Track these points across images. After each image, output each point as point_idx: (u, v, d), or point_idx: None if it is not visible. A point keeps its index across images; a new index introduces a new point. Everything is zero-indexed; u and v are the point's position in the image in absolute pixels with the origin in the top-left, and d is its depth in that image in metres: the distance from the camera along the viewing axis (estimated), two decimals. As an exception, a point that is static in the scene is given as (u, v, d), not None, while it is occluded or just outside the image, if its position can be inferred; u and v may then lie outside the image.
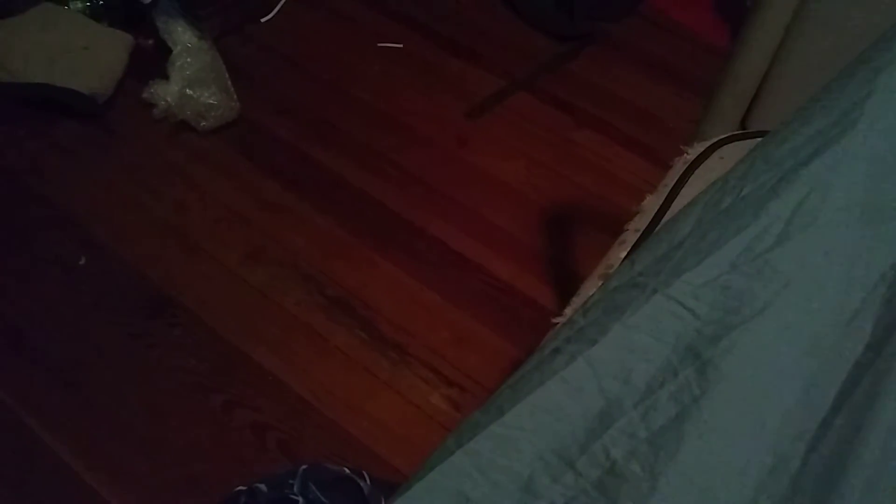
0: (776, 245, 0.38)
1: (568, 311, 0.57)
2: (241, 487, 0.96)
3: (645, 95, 1.61)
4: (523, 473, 0.38)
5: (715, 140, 0.63)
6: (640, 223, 0.59)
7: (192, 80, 1.42)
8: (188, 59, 1.44)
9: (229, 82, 1.46)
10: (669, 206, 0.58)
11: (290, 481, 0.93)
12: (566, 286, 1.28)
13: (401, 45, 1.66)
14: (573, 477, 0.37)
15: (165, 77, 1.44)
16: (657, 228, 0.52)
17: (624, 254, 0.57)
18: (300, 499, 0.91)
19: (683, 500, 0.32)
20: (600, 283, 0.59)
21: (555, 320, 0.56)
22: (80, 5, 1.52)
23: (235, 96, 1.45)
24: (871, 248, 0.37)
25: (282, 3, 1.69)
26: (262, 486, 0.92)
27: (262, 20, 1.66)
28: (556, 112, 1.56)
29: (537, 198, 1.40)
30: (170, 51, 1.47)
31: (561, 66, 1.65)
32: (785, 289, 0.36)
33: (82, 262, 1.24)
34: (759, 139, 0.55)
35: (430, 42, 1.68)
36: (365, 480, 0.95)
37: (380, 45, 1.66)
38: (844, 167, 0.40)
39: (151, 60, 1.50)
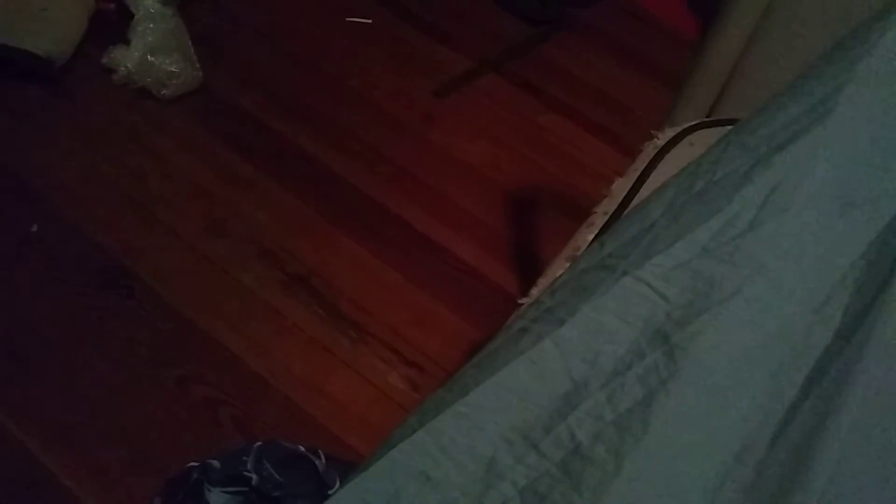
0: (748, 230, 0.38)
1: (534, 292, 0.57)
2: (193, 463, 0.94)
3: (613, 83, 1.62)
4: (486, 453, 0.37)
5: (685, 126, 0.63)
6: (608, 206, 0.59)
7: (154, 46, 1.38)
8: (150, 25, 1.40)
9: (192, 50, 1.42)
10: (638, 191, 0.58)
11: (244, 458, 0.91)
12: (529, 269, 1.28)
13: (370, 21, 1.63)
14: (536, 458, 0.36)
15: (126, 42, 1.40)
16: (627, 211, 0.52)
17: (591, 236, 0.57)
18: (254, 476, 0.90)
19: (648, 484, 0.32)
20: (567, 266, 0.59)
21: (521, 301, 0.55)
22: (38, -35, 1.47)
23: (198, 65, 1.42)
24: (842, 236, 0.36)
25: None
26: (216, 463, 0.90)
27: (229, -11, 1.62)
28: (524, 95, 1.56)
29: (502, 180, 1.40)
30: (132, 15, 1.42)
31: (531, 50, 1.65)
32: (755, 274, 0.36)
33: (34, 229, 1.20)
34: (731, 126, 0.55)
35: (400, 19, 1.66)
36: (320, 458, 0.94)
37: (349, 19, 1.63)
38: (818, 155, 0.40)
39: (112, 25, 1.46)
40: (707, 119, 0.68)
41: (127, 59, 1.38)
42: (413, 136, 1.44)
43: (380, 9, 1.66)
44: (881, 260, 0.35)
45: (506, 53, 1.62)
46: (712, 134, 0.63)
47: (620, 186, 0.59)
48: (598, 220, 0.58)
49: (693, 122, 0.64)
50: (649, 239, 0.41)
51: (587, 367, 0.37)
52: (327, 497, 0.90)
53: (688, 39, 1.71)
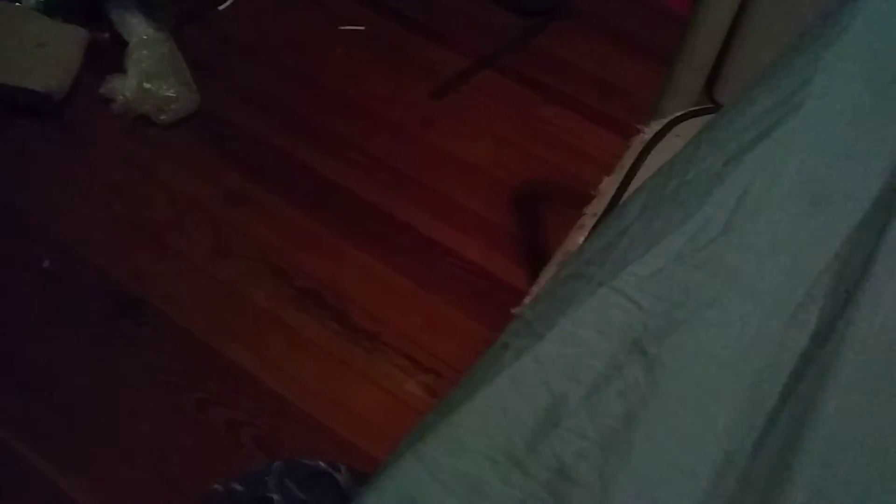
0: (721, 235, 0.37)
1: (527, 300, 0.56)
2: (217, 487, 0.95)
3: (612, 69, 1.60)
4: (472, 474, 0.37)
5: (671, 118, 0.62)
6: (597, 207, 0.58)
7: (150, 72, 1.39)
8: (145, 52, 1.41)
9: (188, 73, 1.43)
10: (626, 188, 0.57)
11: (266, 478, 0.92)
12: (538, 266, 1.27)
13: (363, 28, 1.63)
14: (523, 478, 0.36)
15: (123, 71, 1.41)
16: (606, 214, 0.51)
17: (581, 239, 0.56)
18: (276, 496, 0.91)
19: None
20: (556, 270, 0.59)
21: (514, 311, 0.55)
22: (33, 2, 1.49)
23: (195, 87, 1.43)
24: (815, 235, 0.36)
25: (240, -11, 1.65)
26: (238, 486, 0.91)
27: (220, 7, 1.63)
28: (523, 89, 1.55)
29: (506, 177, 1.39)
30: (126, 44, 1.43)
31: (526, 43, 1.64)
32: (730, 281, 0.35)
33: (46, 264, 1.21)
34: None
35: (393, 23, 1.65)
36: (341, 473, 0.95)
37: (342, 28, 1.63)
38: (790, 151, 0.39)
39: (108, 55, 1.47)
40: (694, 108, 0.68)
41: (124, 87, 1.39)
42: (413, 140, 1.44)
43: (372, 15, 1.66)
44: (855, 258, 0.34)
45: (501, 49, 1.61)
46: (699, 124, 0.62)
47: (608, 185, 0.59)
48: (588, 221, 0.57)
49: (679, 113, 0.63)
50: (624, 245, 0.41)
51: (568, 383, 0.37)
52: (349, 511, 0.90)
53: (683, 17, 1.69)
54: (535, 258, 1.28)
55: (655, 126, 0.63)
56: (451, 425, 0.38)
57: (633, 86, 1.56)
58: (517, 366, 0.38)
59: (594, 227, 0.56)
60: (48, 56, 1.42)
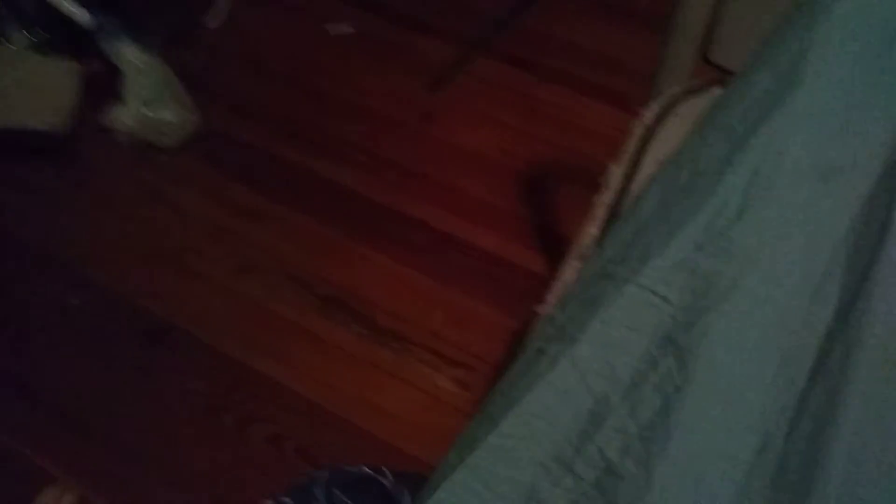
0: (736, 219, 0.38)
1: (550, 298, 0.57)
2: (266, 502, 0.97)
3: (605, 40, 1.60)
4: (525, 482, 0.38)
5: (669, 98, 0.63)
6: (608, 197, 0.59)
7: (147, 99, 1.40)
8: (139, 79, 1.42)
9: (185, 95, 1.44)
10: (633, 176, 0.58)
11: (313, 489, 0.94)
12: (554, 249, 1.28)
13: (353, 30, 1.63)
14: (573, 480, 0.37)
15: (121, 100, 1.43)
16: (624, 208, 0.52)
17: (595, 230, 0.57)
18: (325, 504, 0.92)
19: (679, 493, 0.33)
20: (576, 265, 0.60)
21: (538, 309, 0.56)
22: (24, 42, 1.50)
23: (193, 108, 1.44)
24: (828, 210, 0.37)
25: (228, 5, 1.65)
26: (287, 500, 0.93)
27: (209, 25, 1.64)
28: (518, 71, 1.55)
29: (512, 162, 1.40)
30: (121, 73, 1.44)
31: (515, 23, 1.63)
32: (750, 265, 0.36)
33: (75, 301, 1.23)
34: (715, 86, 0.54)
35: (381, 20, 1.65)
36: (386, 476, 0.96)
37: (332, 31, 1.63)
38: (794, 128, 0.40)
39: (105, 85, 1.48)
40: (692, 86, 0.68)
41: (124, 116, 1.40)
42: (415, 135, 1.45)
43: (360, 14, 1.66)
44: (868, 229, 0.35)
45: (491, 31, 1.61)
46: (699, 103, 0.63)
47: (615, 174, 0.60)
48: (600, 212, 0.58)
49: (679, 91, 0.63)
50: (645, 240, 0.42)
51: (606, 383, 0.38)
52: (399, 512, 0.92)
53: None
54: (550, 241, 1.29)
55: (655, 107, 0.63)
56: (499, 436, 0.40)
57: (626, 55, 1.56)
58: (555, 372, 0.40)
59: (607, 219, 0.57)
60: (46, 94, 1.44)
